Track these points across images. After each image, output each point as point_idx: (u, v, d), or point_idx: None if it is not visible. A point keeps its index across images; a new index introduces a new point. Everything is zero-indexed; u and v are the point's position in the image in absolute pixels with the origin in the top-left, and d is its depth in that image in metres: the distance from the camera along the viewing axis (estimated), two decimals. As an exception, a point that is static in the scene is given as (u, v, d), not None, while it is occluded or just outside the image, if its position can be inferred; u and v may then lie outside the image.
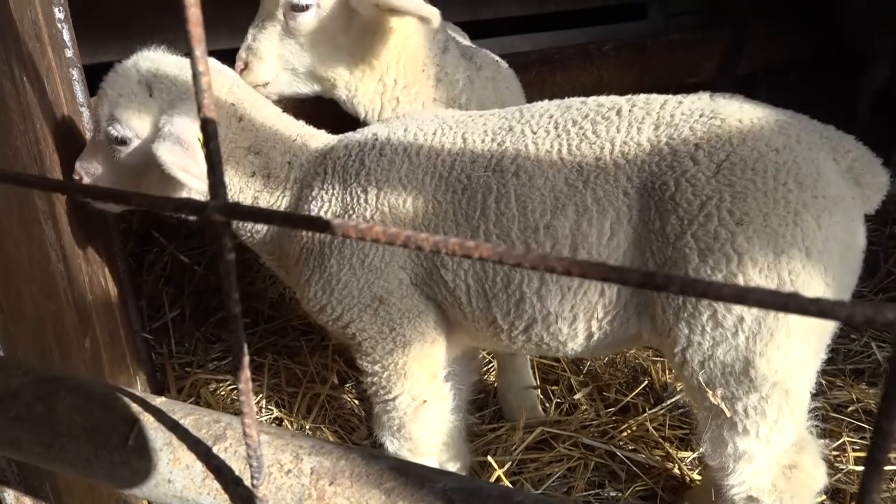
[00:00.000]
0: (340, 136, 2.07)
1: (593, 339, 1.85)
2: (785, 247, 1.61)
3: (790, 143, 1.66)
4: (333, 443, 0.90)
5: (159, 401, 0.97)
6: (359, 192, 1.85)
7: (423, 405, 1.99)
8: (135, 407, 0.94)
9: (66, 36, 2.52)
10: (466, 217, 1.80)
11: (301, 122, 2.15)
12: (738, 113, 1.70)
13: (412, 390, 1.97)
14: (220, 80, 2.02)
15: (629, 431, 2.67)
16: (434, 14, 2.07)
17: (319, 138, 2.10)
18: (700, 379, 1.75)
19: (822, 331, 1.74)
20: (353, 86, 2.33)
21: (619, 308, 1.78)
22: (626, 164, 1.70)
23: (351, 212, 1.84)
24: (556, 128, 1.79)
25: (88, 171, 2.09)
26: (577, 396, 2.86)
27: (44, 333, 1.90)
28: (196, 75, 0.68)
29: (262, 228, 2.06)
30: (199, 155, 1.78)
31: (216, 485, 0.91)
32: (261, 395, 2.93)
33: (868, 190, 1.74)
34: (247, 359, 0.77)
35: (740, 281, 1.63)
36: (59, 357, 1.97)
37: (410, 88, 2.32)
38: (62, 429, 0.95)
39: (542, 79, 4.24)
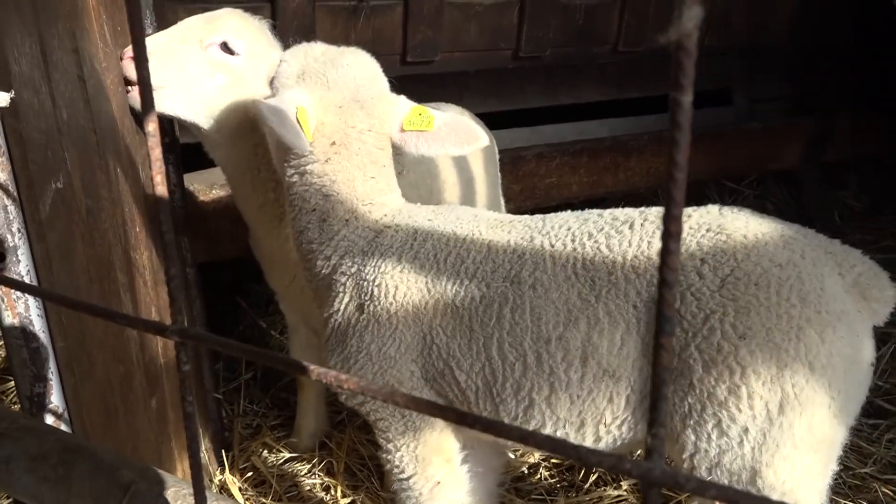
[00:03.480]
0: (396, 213, 2.10)
1: (600, 443, 1.88)
2: (788, 361, 1.64)
3: (794, 258, 1.69)
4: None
5: (152, 472, 1.14)
6: (389, 285, 1.97)
7: (437, 486, 2.06)
8: (131, 476, 1.12)
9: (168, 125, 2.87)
10: (482, 324, 1.87)
11: (383, 188, 2.12)
12: (744, 228, 1.74)
13: (425, 472, 2.05)
14: (349, 115, 2.05)
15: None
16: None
17: (385, 206, 2.10)
18: None
19: (831, 443, 1.73)
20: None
21: (627, 414, 1.81)
22: (636, 278, 1.76)
23: (377, 301, 1.97)
24: (572, 241, 1.86)
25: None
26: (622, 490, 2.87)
27: (111, 394, 2.15)
28: (151, 147, 0.84)
29: (320, 269, 2.10)
30: (292, 121, 1.93)
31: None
32: (314, 461, 3.11)
33: (875, 304, 1.74)
34: (201, 449, 0.93)
35: (744, 393, 1.66)
36: (123, 414, 2.22)
37: None
38: (74, 490, 1.15)
39: (615, 164, 4.34)
